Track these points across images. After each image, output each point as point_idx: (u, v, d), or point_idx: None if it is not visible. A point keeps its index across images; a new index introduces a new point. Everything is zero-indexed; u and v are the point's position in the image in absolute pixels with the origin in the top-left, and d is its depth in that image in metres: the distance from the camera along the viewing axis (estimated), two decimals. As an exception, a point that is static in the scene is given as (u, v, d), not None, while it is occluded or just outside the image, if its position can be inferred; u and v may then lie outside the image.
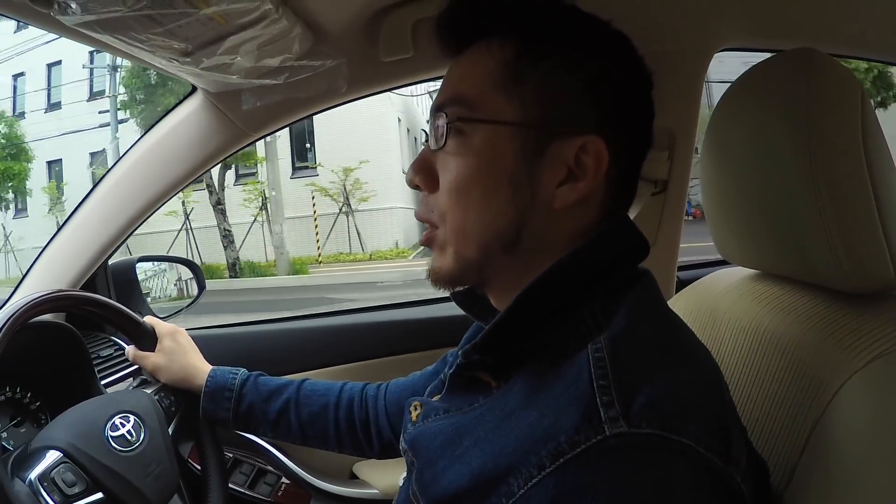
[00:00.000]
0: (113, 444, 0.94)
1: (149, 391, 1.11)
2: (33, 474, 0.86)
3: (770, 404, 0.74)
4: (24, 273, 1.42)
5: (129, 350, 1.19)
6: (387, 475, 1.54)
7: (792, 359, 0.73)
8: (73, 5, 0.78)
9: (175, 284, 1.80)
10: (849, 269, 0.70)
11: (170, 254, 1.98)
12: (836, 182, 0.69)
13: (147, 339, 1.19)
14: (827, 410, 0.65)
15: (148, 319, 1.21)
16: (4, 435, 1.06)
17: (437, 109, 0.72)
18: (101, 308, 1.15)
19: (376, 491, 1.55)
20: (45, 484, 0.85)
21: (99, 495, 0.88)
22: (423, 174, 0.73)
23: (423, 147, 0.75)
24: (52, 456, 0.89)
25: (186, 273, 1.82)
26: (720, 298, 0.93)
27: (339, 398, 1.14)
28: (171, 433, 1.07)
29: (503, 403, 0.63)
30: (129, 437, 0.96)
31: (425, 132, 0.76)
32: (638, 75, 0.72)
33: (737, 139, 0.82)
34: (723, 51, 1.42)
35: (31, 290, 1.31)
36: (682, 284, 1.25)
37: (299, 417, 1.12)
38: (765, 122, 0.75)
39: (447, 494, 0.61)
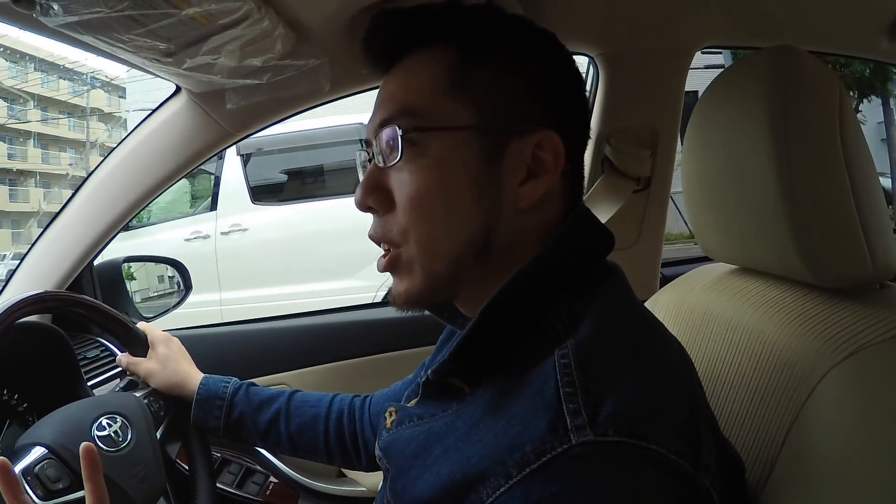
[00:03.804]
0: (99, 443, 0.94)
1: (138, 394, 1.11)
2: (17, 468, 0.86)
3: (750, 400, 0.74)
4: (9, 274, 1.41)
5: (122, 357, 1.19)
6: (374, 474, 1.54)
7: (772, 354, 0.73)
8: (56, 7, 0.77)
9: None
10: (827, 264, 0.71)
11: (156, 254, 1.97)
12: (813, 178, 0.70)
13: (138, 345, 1.19)
14: (806, 405, 0.65)
15: (141, 326, 1.21)
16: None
17: (381, 125, 0.69)
18: (93, 311, 1.15)
19: (364, 489, 1.56)
20: (29, 478, 0.85)
21: (82, 493, 0.87)
22: (376, 194, 0.70)
23: (365, 167, 0.74)
24: (37, 452, 0.88)
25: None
26: (701, 294, 0.94)
27: (328, 410, 1.14)
28: (159, 437, 1.07)
29: (473, 410, 0.62)
30: (115, 438, 0.96)
31: (367, 152, 0.74)
32: (572, 69, 0.72)
33: (717, 136, 0.82)
34: (705, 49, 1.44)
35: (16, 292, 1.31)
36: (666, 280, 1.26)
37: (289, 428, 1.12)
38: (744, 118, 0.76)
39: (419, 503, 0.61)
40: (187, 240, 5.40)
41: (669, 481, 0.52)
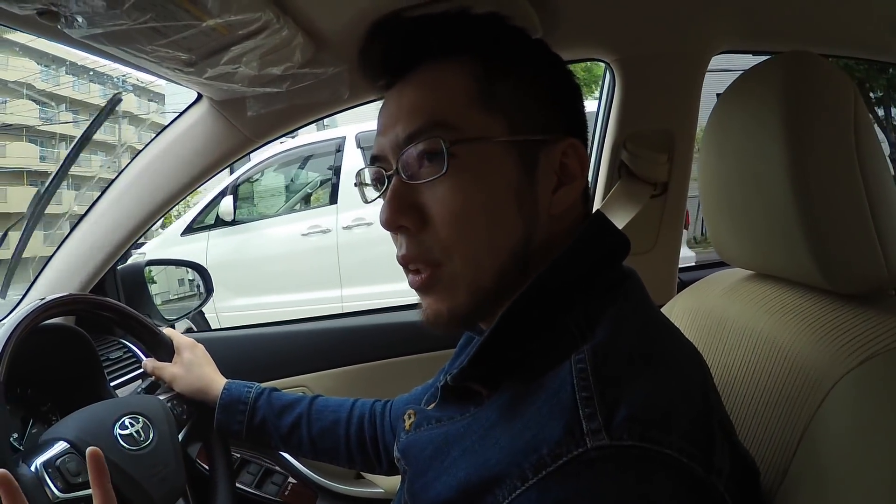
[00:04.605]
0: (121, 441, 0.96)
1: (162, 397, 1.13)
2: (39, 461, 0.88)
3: (765, 405, 0.74)
4: (34, 277, 1.44)
5: (148, 362, 1.20)
6: (388, 476, 1.55)
7: (786, 359, 0.73)
8: (80, 19, 0.79)
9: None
10: (842, 270, 0.71)
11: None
12: (829, 183, 0.70)
13: (164, 349, 1.21)
14: (819, 410, 0.65)
15: (167, 332, 1.23)
16: (16, 435, 1.08)
17: (409, 139, 0.66)
18: (120, 315, 1.18)
19: (381, 490, 1.57)
20: (50, 471, 0.87)
21: None
22: (410, 213, 0.67)
23: (366, 190, 0.73)
24: (60, 446, 0.90)
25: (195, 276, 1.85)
26: (718, 299, 0.93)
27: (350, 414, 1.14)
28: (181, 440, 1.09)
29: (490, 413, 0.63)
30: (136, 437, 0.97)
31: (380, 168, 0.71)
32: (573, 80, 0.73)
33: (733, 141, 0.82)
34: (720, 53, 1.44)
35: (41, 293, 1.34)
36: (684, 285, 1.26)
37: (311, 433, 1.13)
38: (760, 124, 0.75)
39: None
40: (304, 234, 5.29)
41: (682, 485, 0.53)
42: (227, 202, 5.49)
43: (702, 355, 0.68)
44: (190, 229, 5.63)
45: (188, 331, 1.82)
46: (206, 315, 5.26)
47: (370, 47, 0.75)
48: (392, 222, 0.68)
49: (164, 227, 5.83)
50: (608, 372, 0.57)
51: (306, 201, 5.96)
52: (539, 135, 0.67)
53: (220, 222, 5.53)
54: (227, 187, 5.60)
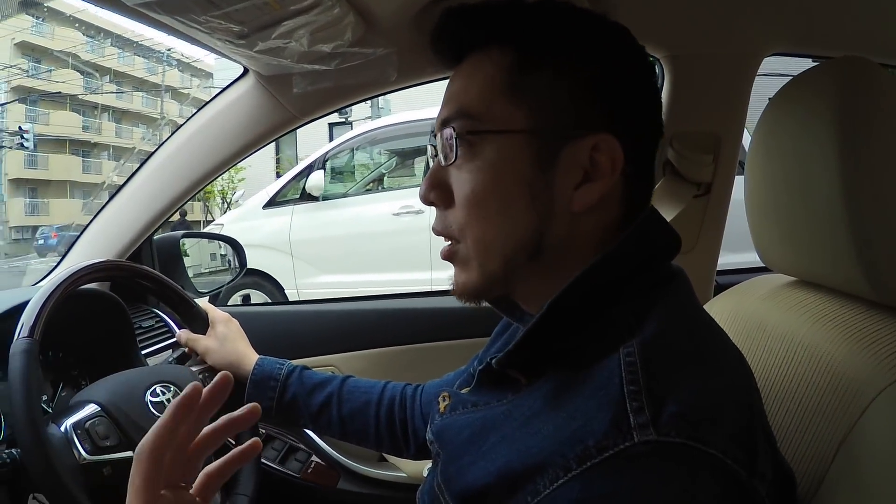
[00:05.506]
0: (151, 408, 0.97)
1: (195, 369, 1.14)
2: (69, 422, 0.89)
3: (802, 413, 0.73)
4: (72, 241, 1.46)
5: (182, 333, 1.22)
6: (415, 460, 1.56)
7: (826, 369, 0.72)
8: (136, -14, 0.80)
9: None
10: (889, 280, 0.70)
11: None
12: (880, 192, 0.68)
13: (199, 322, 1.22)
14: (858, 423, 0.64)
15: (202, 304, 1.25)
16: (45, 397, 1.09)
17: (442, 124, 0.70)
18: (158, 285, 1.19)
19: (404, 474, 1.58)
20: (79, 432, 0.88)
21: (129, 454, 0.90)
22: (437, 190, 0.71)
23: (432, 162, 0.75)
24: (90, 409, 0.92)
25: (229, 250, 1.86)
26: (757, 304, 0.92)
27: (380, 396, 1.15)
28: None
29: (531, 401, 0.63)
30: (167, 405, 0.98)
31: (433, 147, 0.75)
32: (640, 68, 0.70)
33: (783, 146, 0.81)
34: (771, 56, 1.41)
35: (78, 259, 1.36)
36: (720, 288, 1.24)
37: (340, 412, 1.13)
38: (812, 129, 0.74)
39: (472, 489, 0.62)
40: (396, 214, 5.27)
41: (724, 487, 0.52)
42: (318, 176, 5.46)
43: (745, 359, 0.67)
44: (273, 202, 5.61)
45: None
46: (286, 292, 5.35)
47: (430, 36, 0.76)
48: (423, 197, 0.73)
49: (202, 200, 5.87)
50: (657, 367, 0.56)
51: (380, 181, 5.96)
52: (567, 129, 0.66)
53: (306, 196, 5.50)
54: (314, 161, 5.57)
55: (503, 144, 0.66)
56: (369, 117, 12.52)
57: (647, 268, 0.66)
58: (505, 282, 0.70)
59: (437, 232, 0.74)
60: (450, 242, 0.73)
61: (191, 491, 0.67)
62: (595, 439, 0.53)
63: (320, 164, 5.53)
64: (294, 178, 5.63)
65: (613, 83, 0.67)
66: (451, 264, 0.73)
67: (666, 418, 0.52)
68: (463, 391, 0.78)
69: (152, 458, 0.61)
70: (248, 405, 0.69)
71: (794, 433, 0.73)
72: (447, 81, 0.75)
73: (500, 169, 0.66)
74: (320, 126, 14.62)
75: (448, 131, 0.69)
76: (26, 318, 0.90)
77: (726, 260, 1.63)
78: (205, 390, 0.65)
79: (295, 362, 1.19)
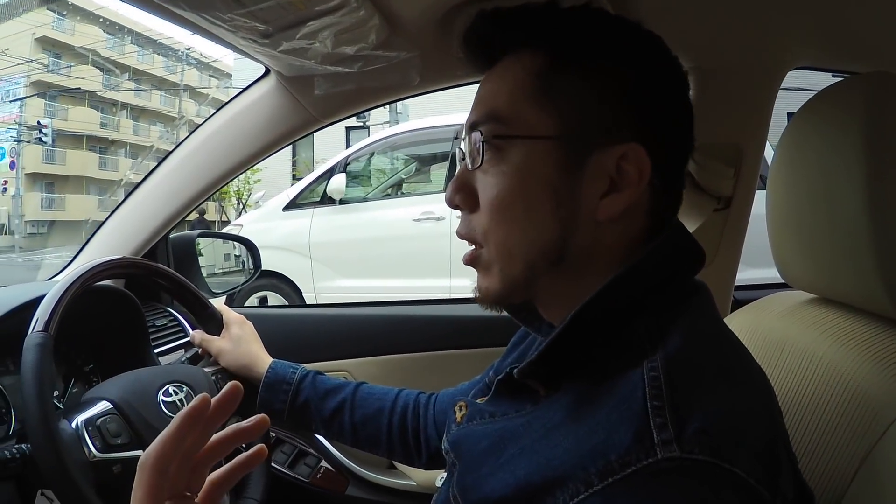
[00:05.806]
0: (163, 408, 0.96)
1: (208, 370, 1.14)
2: (80, 418, 0.89)
3: (821, 433, 0.72)
4: (86, 238, 1.46)
5: (196, 334, 1.22)
6: (426, 469, 1.55)
7: (846, 388, 0.71)
8: (162, -19, 0.80)
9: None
10: None
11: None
12: None
13: (213, 323, 1.22)
14: (879, 443, 0.64)
15: (217, 305, 1.24)
16: (56, 392, 1.09)
17: (471, 128, 0.70)
18: (174, 284, 1.19)
19: (413, 483, 1.56)
20: (90, 429, 0.88)
21: (139, 452, 0.89)
22: (463, 193, 0.71)
23: (459, 165, 0.74)
24: (102, 405, 0.92)
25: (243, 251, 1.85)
26: (777, 321, 0.91)
27: (393, 404, 1.14)
28: None
29: (551, 413, 0.62)
30: (179, 405, 0.98)
31: (461, 150, 0.74)
32: (674, 77, 0.69)
33: (807, 161, 0.80)
34: (796, 69, 1.39)
35: (93, 256, 1.36)
36: (738, 304, 1.22)
37: (353, 419, 1.13)
38: (836, 145, 0.74)
39: (490, 500, 0.61)
40: (416, 220, 5.25)
41: None
42: (339, 180, 5.46)
43: (767, 377, 0.66)
44: (293, 205, 5.62)
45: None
46: (303, 294, 5.34)
47: (462, 38, 0.75)
48: (449, 200, 0.73)
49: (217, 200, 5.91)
50: (681, 382, 0.55)
51: (399, 187, 5.97)
52: (596, 136, 0.65)
53: (326, 199, 5.51)
54: (335, 165, 5.58)
55: (530, 150, 0.66)
56: (387, 122, 12.60)
57: (671, 281, 0.65)
58: (526, 288, 0.69)
59: (461, 235, 0.73)
60: (473, 247, 0.72)
61: (196, 500, 0.66)
62: (617, 454, 0.52)
63: (342, 167, 5.55)
64: (315, 180, 5.65)
65: (645, 92, 0.66)
66: (471, 271, 0.73)
67: (690, 435, 0.51)
68: (479, 401, 0.77)
69: (156, 468, 0.61)
70: (257, 416, 0.68)
71: (813, 452, 0.72)
72: (470, 87, 0.74)
73: (525, 174, 0.66)
74: (337, 129, 14.72)
75: (476, 135, 0.68)
76: (42, 313, 0.90)
77: (742, 276, 1.61)
78: (213, 400, 0.64)
79: (308, 366, 1.18)
